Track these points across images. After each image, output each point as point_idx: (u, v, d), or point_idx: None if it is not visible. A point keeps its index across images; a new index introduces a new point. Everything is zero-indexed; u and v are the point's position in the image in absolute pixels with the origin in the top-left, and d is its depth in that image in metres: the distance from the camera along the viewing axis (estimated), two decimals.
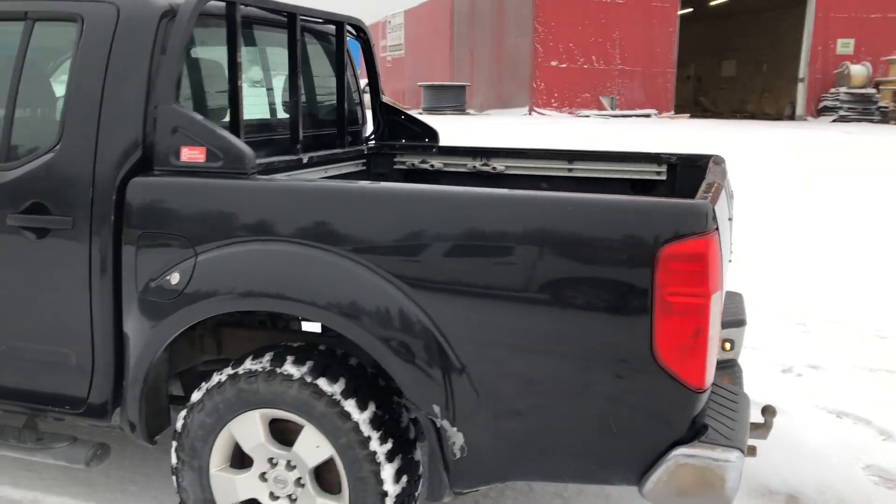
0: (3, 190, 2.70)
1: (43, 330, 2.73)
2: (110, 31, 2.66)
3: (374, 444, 2.40)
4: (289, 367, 2.45)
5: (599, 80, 26.61)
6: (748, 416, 2.52)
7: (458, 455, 2.32)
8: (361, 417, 2.40)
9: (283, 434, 2.56)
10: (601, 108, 26.14)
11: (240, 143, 2.53)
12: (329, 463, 2.49)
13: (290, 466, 2.54)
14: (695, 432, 2.20)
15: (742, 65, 36.57)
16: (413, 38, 38.70)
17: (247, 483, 2.59)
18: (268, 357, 2.51)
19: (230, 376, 2.51)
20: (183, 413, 2.61)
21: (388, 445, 2.42)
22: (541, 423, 2.28)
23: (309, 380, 2.43)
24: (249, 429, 2.54)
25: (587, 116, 24.28)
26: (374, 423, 2.42)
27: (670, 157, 3.69)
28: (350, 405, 2.41)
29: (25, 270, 2.71)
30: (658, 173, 3.72)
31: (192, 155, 2.55)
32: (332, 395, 2.41)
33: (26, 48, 2.78)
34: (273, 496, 2.58)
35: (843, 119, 27.39)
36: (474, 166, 3.97)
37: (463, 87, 27.81)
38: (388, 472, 2.41)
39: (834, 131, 23.02)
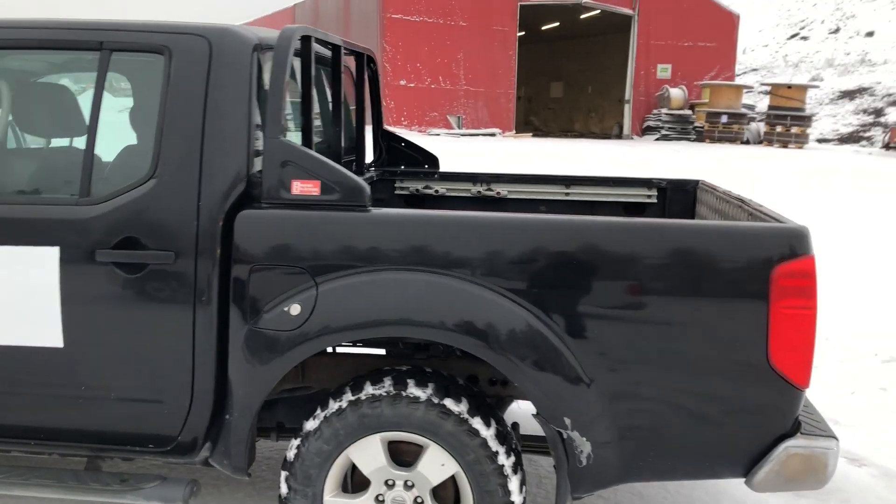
0: (88, 225, 2.62)
1: (135, 368, 2.67)
2: (204, 64, 2.66)
3: (502, 458, 2.55)
4: (414, 390, 2.56)
5: (446, 99, 27.35)
6: (817, 410, 2.89)
7: (585, 463, 2.52)
8: (488, 434, 2.55)
9: (396, 455, 2.65)
10: (449, 126, 26.87)
11: (355, 177, 2.61)
12: (445, 480, 2.62)
13: (407, 486, 2.64)
14: (797, 426, 2.53)
15: (569, 86, 38.73)
16: None
17: None
18: (388, 381, 2.59)
19: (351, 402, 2.58)
20: (296, 442, 2.64)
21: (513, 458, 2.58)
22: (659, 428, 2.52)
23: (436, 401, 2.54)
24: (370, 453, 2.61)
25: (438, 135, 24.87)
26: (499, 438, 2.57)
27: (660, 181, 4.07)
28: (477, 422, 2.55)
29: (117, 307, 2.64)
30: (649, 196, 4.08)
31: (304, 188, 2.60)
32: (460, 414, 2.54)
33: (103, 80, 2.72)
34: None
35: (664, 138, 29.67)
36: (478, 191, 4.18)
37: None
38: (514, 483, 2.57)
39: (663, 147, 24.99)
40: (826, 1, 53.33)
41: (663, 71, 30.50)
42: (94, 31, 2.73)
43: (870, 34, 46.42)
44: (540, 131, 35.02)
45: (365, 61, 3.86)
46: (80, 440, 2.78)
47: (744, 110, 28.46)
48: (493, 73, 27.95)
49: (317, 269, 2.54)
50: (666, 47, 30.25)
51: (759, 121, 29.51)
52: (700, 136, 28.86)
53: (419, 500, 2.63)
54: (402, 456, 2.64)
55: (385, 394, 2.56)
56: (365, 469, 2.63)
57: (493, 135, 26.32)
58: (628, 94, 30.74)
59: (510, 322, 2.46)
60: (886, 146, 27.27)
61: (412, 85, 26.72)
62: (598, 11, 29.80)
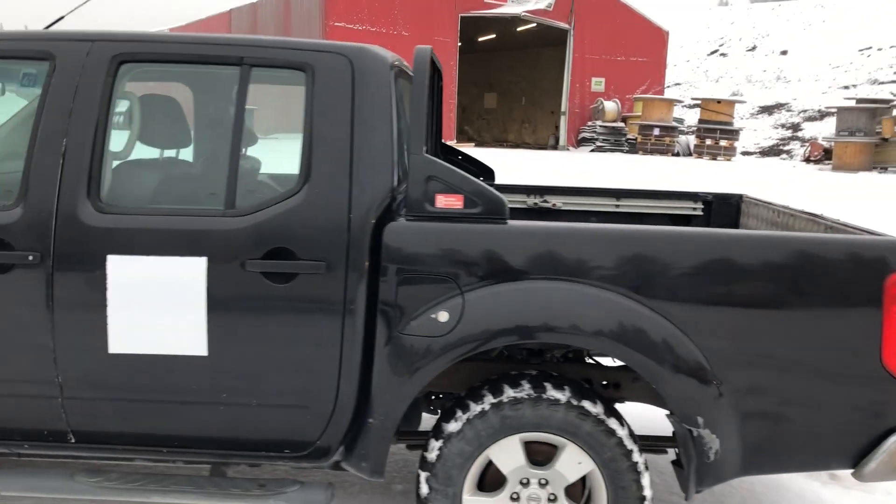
0: (237, 236, 2.69)
1: (280, 375, 2.74)
2: (348, 81, 2.77)
3: (636, 456, 2.73)
4: (553, 393, 2.72)
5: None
6: None
7: (712, 458, 2.73)
8: (623, 433, 2.73)
9: (529, 455, 2.79)
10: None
11: (495, 192, 2.75)
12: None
13: (540, 484, 2.79)
14: None
15: (502, 97, 39.27)
16: None
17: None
18: (527, 385, 2.74)
19: (493, 405, 2.72)
20: (437, 444, 2.76)
21: (643, 456, 2.77)
22: (778, 425, 2.75)
23: (574, 402, 2.71)
24: (510, 453, 2.75)
25: None
26: (632, 436, 2.75)
27: (707, 195, 4.33)
28: (613, 423, 2.72)
29: (264, 315, 2.71)
30: (694, 209, 4.34)
31: (448, 202, 2.73)
32: (598, 415, 2.71)
33: (245, 94, 2.80)
34: None
35: (598, 149, 30.41)
36: (534, 203, 4.36)
37: (251, 110, 27.22)
38: (646, 479, 2.75)
39: (600, 158, 25.67)
40: (743, 20, 55.65)
41: (597, 84, 31.29)
42: (234, 46, 2.81)
43: (784, 52, 48.67)
44: (473, 141, 35.41)
45: (435, 77, 3.99)
46: (212, 447, 2.84)
47: (674, 123, 29.44)
48: None
49: (462, 278, 2.68)
50: (600, 61, 31.06)
51: (688, 133, 30.58)
52: (633, 148, 29.68)
53: (552, 497, 2.79)
54: (534, 455, 2.80)
55: (526, 396, 2.71)
56: (504, 468, 2.77)
57: None
58: (564, 106, 31.41)
59: (651, 329, 2.64)
60: (807, 160, 28.63)
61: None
62: (535, 25, 30.37)
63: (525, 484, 2.79)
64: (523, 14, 29.28)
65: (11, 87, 3.67)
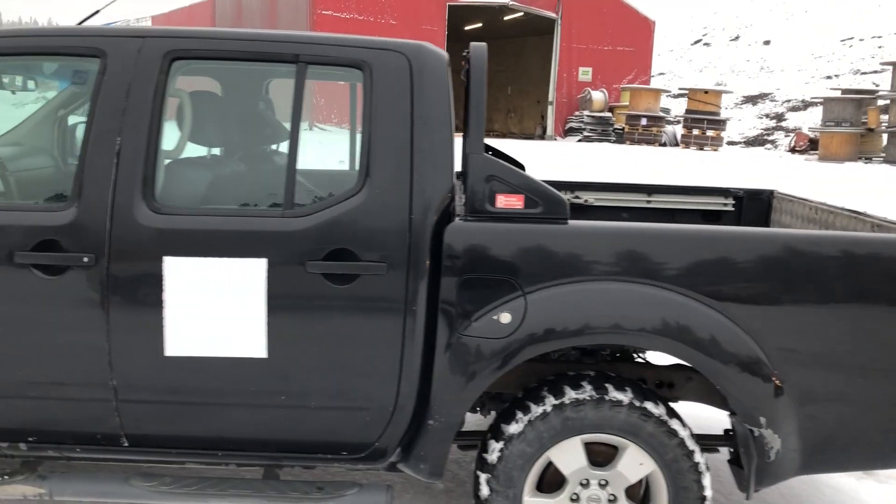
0: (298, 238, 2.65)
1: (341, 376, 2.71)
2: (406, 79, 2.72)
3: (697, 456, 2.73)
4: (616, 394, 2.70)
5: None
6: None
7: (773, 458, 2.73)
8: (685, 434, 2.72)
9: (590, 456, 2.78)
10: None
11: (556, 192, 2.73)
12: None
13: (601, 485, 2.78)
14: None
15: (488, 86, 39.16)
16: None
17: None
18: (589, 386, 2.73)
19: (555, 406, 2.70)
20: (498, 445, 2.74)
21: (704, 456, 2.76)
22: (837, 424, 2.75)
23: (637, 404, 2.70)
24: (571, 454, 2.74)
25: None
26: (693, 437, 2.75)
27: (738, 190, 4.33)
28: (675, 424, 2.72)
29: (324, 316, 2.67)
30: (725, 205, 4.34)
31: (508, 202, 2.71)
32: (660, 416, 2.70)
33: (301, 92, 2.75)
34: None
35: (586, 139, 30.45)
36: (567, 199, 4.33)
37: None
38: (707, 479, 2.75)
39: (588, 148, 25.70)
40: (726, 9, 55.84)
41: (585, 74, 31.29)
42: (290, 43, 2.76)
43: (767, 42, 48.93)
44: (459, 130, 35.33)
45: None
46: (268, 449, 2.81)
47: (661, 113, 29.53)
48: None
49: (524, 279, 2.66)
50: (587, 51, 31.05)
51: (674, 123, 30.69)
52: (620, 138, 29.75)
53: (612, 498, 2.78)
54: (594, 456, 2.78)
55: (588, 398, 2.70)
56: (565, 470, 2.76)
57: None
58: (552, 95, 31.39)
59: (715, 329, 2.64)
60: (793, 150, 28.81)
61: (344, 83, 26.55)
62: (522, 14, 30.30)
63: (585, 485, 2.78)
64: (511, 3, 29.20)
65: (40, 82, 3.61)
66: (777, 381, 2.67)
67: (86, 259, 2.62)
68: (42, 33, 2.82)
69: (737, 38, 50.81)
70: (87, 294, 2.65)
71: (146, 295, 2.64)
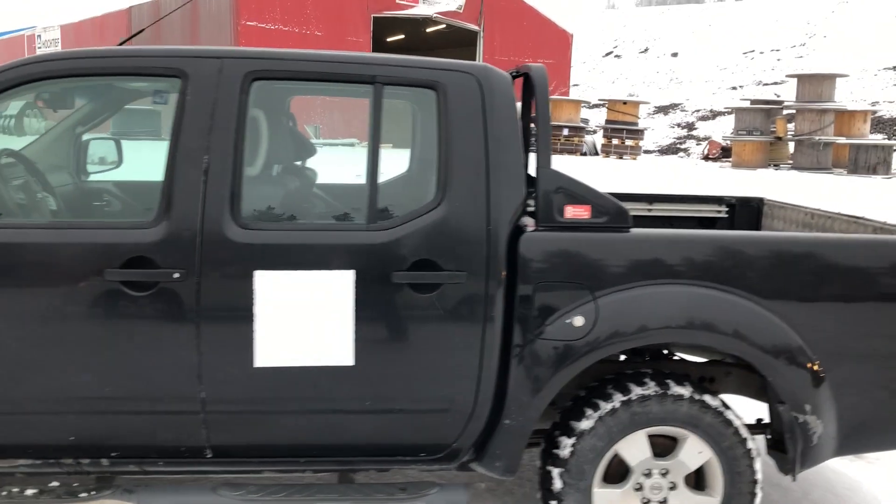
0: (383, 250, 2.77)
1: (425, 381, 2.84)
2: (478, 99, 2.89)
3: (750, 443, 2.98)
4: (677, 389, 2.93)
5: (304, 108, 27.13)
6: None
7: (815, 442, 3.00)
8: (739, 423, 2.97)
9: (652, 447, 3.00)
10: (307, 135, 26.73)
11: (618, 202, 2.94)
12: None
13: (661, 474, 2.99)
14: None
15: None
16: None
17: (625, 495, 2.98)
18: (652, 383, 2.94)
19: (623, 402, 2.91)
20: (570, 441, 2.92)
21: (755, 442, 3.01)
22: (872, 409, 3.04)
23: (696, 397, 2.93)
24: (637, 446, 2.95)
25: None
26: (745, 425, 3.00)
27: (731, 198, 4.65)
28: (730, 414, 2.96)
29: (408, 324, 2.81)
30: (719, 212, 4.65)
31: (577, 212, 2.90)
32: (717, 408, 2.94)
33: (380, 112, 2.88)
34: (645, 502, 3.00)
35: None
36: None
37: (159, 111, 26.48)
38: (758, 463, 3.00)
39: None
40: (634, 23, 57.79)
41: None
42: (367, 65, 2.89)
43: (675, 55, 50.86)
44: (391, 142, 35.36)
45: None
46: (350, 454, 2.92)
47: (581, 124, 30.36)
48: None
49: (594, 284, 2.85)
50: (509, 63, 31.49)
51: (592, 133, 31.61)
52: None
53: (672, 485, 3.00)
54: (654, 447, 3.00)
55: (653, 393, 2.91)
56: (631, 461, 2.96)
57: (351, 145, 26.44)
58: None
59: (767, 327, 2.89)
60: (706, 157, 30.07)
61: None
62: (445, 26, 30.70)
63: (647, 474, 2.99)
64: (434, 15, 29.54)
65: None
66: (819, 372, 2.94)
67: (176, 275, 2.68)
68: (124, 54, 2.86)
69: (646, 50, 52.63)
70: (178, 309, 2.71)
71: (236, 308, 2.72)
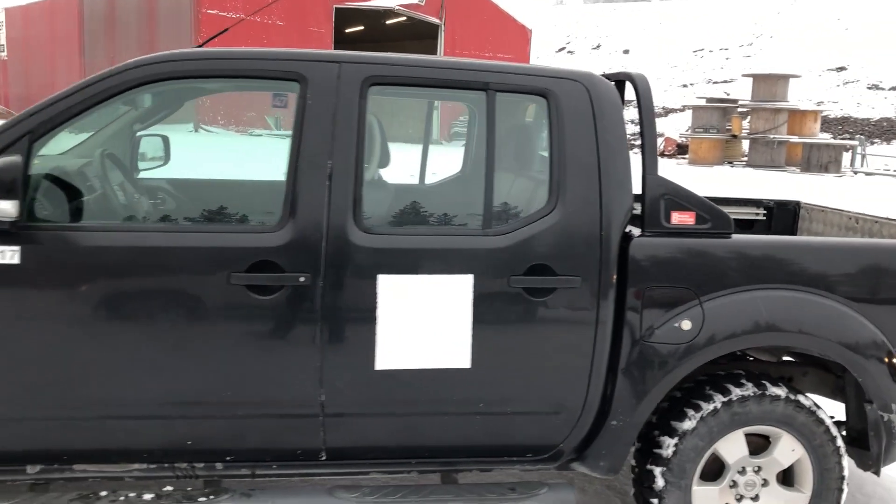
0: (501, 254, 2.81)
1: (538, 383, 2.90)
2: (588, 105, 2.95)
3: (839, 441, 3.10)
4: (774, 390, 3.04)
5: (263, 100, 26.78)
6: None
7: None
8: (829, 422, 3.09)
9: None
10: (267, 126, 26.37)
11: (720, 209, 3.03)
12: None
13: (755, 471, 3.10)
14: None
15: None
16: (20, 39, 34.52)
17: (721, 491, 3.08)
18: (750, 384, 3.05)
19: (724, 403, 3.00)
20: (672, 441, 3.01)
21: (841, 440, 3.15)
22: None
23: (791, 397, 3.04)
24: (735, 445, 3.05)
25: (260, 135, 24.38)
26: (835, 424, 3.12)
27: (769, 201, 4.80)
28: (822, 413, 3.08)
29: (522, 328, 2.85)
30: (757, 214, 4.80)
31: (682, 219, 2.98)
32: (810, 407, 3.06)
33: (493, 119, 2.91)
34: (738, 498, 3.11)
35: (456, 140, 31.15)
36: None
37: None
38: (846, 460, 3.13)
39: None
40: (587, 19, 58.42)
41: None
42: (481, 72, 2.92)
43: (626, 52, 51.62)
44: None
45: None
46: (459, 455, 2.96)
47: None
48: None
49: (699, 288, 2.94)
50: (470, 56, 31.74)
51: None
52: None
53: (764, 482, 3.11)
54: (749, 446, 3.11)
55: (752, 394, 3.02)
56: (729, 459, 3.06)
57: None
58: (436, 101, 31.86)
59: (861, 330, 3.02)
60: (661, 154, 30.64)
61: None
62: (405, 19, 30.62)
63: (741, 472, 3.09)
64: (396, 7, 29.42)
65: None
66: None
67: (302, 279, 2.68)
68: (244, 56, 2.84)
69: (598, 46, 53.30)
70: (302, 312, 2.71)
71: (360, 312, 2.73)
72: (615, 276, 2.90)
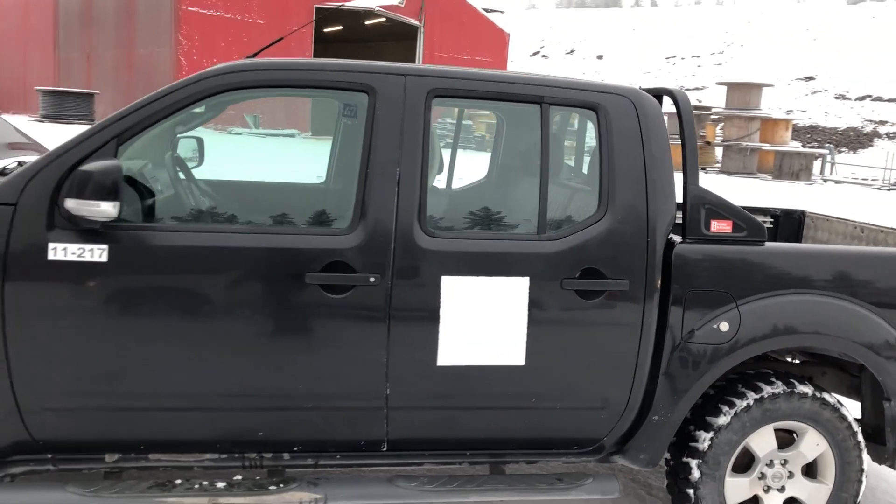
0: (555, 258, 2.99)
1: (587, 380, 3.08)
2: (634, 120, 3.14)
3: (859, 436, 3.33)
4: (802, 388, 3.25)
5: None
6: None
7: None
8: (851, 418, 3.32)
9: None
10: (245, 125, 26.32)
11: (755, 218, 3.24)
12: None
13: (781, 464, 3.32)
14: None
15: None
16: None
17: (751, 483, 3.29)
18: (779, 382, 3.26)
19: (756, 400, 3.21)
20: (708, 435, 3.21)
21: (861, 434, 3.37)
22: None
23: (818, 395, 3.26)
24: (765, 439, 3.26)
25: (239, 134, 24.34)
26: (855, 420, 3.35)
27: (776, 210, 5.04)
28: (845, 410, 3.30)
29: (574, 327, 3.04)
30: (765, 222, 5.03)
31: (720, 227, 3.18)
32: (834, 404, 3.28)
33: (547, 131, 3.09)
34: (766, 489, 3.32)
35: (448, 145, 31.33)
36: None
37: (91, 94, 25.61)
38: (864, 454, 3.35)
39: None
40: (560, 24, 58.92)
41: None
42: (536, 86, 3.10)
43: (600, 57, 52.19)
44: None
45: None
46: (506, 447, 3.14)
47: None
48: None
49: (736, 292, 3.15)
50: (448, 59, 31.97)
51: None
52: (480, 146, 30.87)
53: (790, 474, 3.33)
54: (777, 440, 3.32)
55: (782, 392, 3.23)
56: (759, 452, 3.27)
57: (292, 135, 26.25)
58: None
59: (882, 333, 3.24)
60: None
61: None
62: (385, 19, 30.75)
63: (769, 464, 3.31)
64: (376, 8, 29.53)
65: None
66: None
67: (372, 279, 2.84)
68: (319, 67, 2.98)
69: (572, 51, 53.81)
70: (371, 311, 2.86)
71: (425, 311, 2.90)
72: (660, 281, 3.09)
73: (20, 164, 3.77)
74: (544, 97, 3.09)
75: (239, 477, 2.94)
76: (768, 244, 3.25)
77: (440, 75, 3.02)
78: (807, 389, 3.25)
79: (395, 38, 33.06)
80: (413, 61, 32.05)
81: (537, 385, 3.05)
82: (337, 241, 2.85)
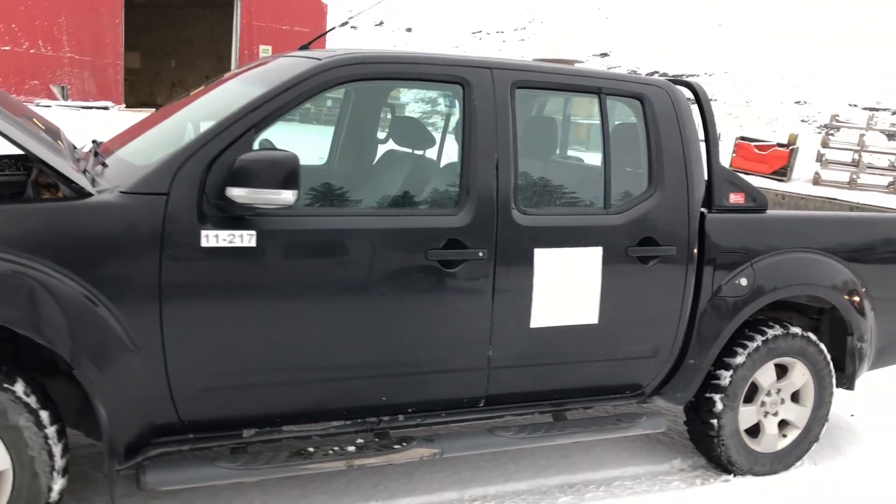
0: (621, 230, 3.47)
1: (644, 332, 3.59)
2: (671, 108, 3.66)
3: (831, 366, 4.09)
4: (794, 329, 3.96)
5: (48, 67, 24.73)
6: None
7: (865, 362, 4.19)
8: (826, 350, 4.07)
9: None
10: (52, 96, 24.43)
11: (759, 190, 3.87)
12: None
13: (776, 392, 4.02)
14: None
15: (147, 58, 37.25)
16: None
17: (754, 410, 3.96)
18: (778, 325, 3.94)
19: (763, 341, 3.87)
20: (728, 373, 3.83)
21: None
22: (890, 337, 4.29)
23: (805, 335, 3.98)
24: (767, 374, 3.94)
25: (49, 107, 22.57)
26: (828, 351, 4.11)
27: None
28: (823, 345, 4.05)
29: (637, 287, 3.53)
30: None
31: (737, 199, 3.79)
32: (815, 342, 4.02)
33: (606, 118, 3.54)
34: (765, 414, 4.01)
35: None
36: None
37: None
38: (834, 380, 4.12)
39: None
40: None
41: (265, 52, 31.42)
42: (594, 79, 3.54)
43: (409, 30, 52.90)
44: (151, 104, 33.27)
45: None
46: (577, 396, 3.60)
47: None
48: (99, 41, 26.06)
49: (751, 253, 3.78)
50: (266, 29, 31.27)
51: None
52: (305, 118, 30.58)
53: (782, 400, 4.04)
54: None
55: (780, 334, 3.91)
56: (764, 384, 3.95)
57: (106, 108, 24.71)
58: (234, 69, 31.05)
59: (849, 281, 4.00)
60: None
61: (7, 48, 23.71)
62: None
63: (768, 394, 4.00)
64: None
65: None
66: (875, 314, 4.13)
67: (481, 254, 3.17)
68: (425, 61, 3.22)
69: (381, 23, 54.08)
70: (479, 283, 3.20)
71: (522, 280, 3.27)
72: (697, 246, 3.65)
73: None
74: (602, 88, 3.54)
75: (361, 441, 3.18)
76: (769, 212, 3.91)
77: (521, 69, 3.38)
78: (797, 330, 3.96)
79: (202, 5, 31.87)
80: (230, 31, 31.08)
81: (606, 340, 3.52)
82: (451, 221, 3.15)
